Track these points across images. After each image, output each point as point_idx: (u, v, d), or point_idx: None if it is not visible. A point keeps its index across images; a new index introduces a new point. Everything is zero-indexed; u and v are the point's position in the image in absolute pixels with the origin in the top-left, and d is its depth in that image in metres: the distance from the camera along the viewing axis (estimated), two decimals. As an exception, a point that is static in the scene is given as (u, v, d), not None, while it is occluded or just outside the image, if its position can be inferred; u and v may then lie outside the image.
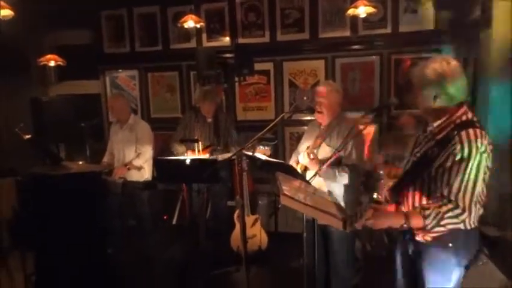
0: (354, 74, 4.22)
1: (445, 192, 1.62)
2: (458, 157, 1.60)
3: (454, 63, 1.71)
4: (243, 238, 2.71)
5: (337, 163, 2.49)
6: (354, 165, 2.51)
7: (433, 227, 1.63)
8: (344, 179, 2.51)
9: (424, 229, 1.66)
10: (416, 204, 1.75)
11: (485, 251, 2.47)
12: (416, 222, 1.65)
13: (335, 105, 2.63)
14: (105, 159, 3.84)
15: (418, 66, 1.77)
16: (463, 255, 1.73)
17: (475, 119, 1.71)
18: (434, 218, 1.61)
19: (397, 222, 1.68)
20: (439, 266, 1.73)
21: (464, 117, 1.70)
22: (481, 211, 1.71)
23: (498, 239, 2.63)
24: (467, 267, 1.77)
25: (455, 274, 1.74)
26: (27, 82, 4.75)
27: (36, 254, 3.07)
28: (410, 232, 1.78)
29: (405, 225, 1.66)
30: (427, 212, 1.62)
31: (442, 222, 1.61)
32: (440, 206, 1.61)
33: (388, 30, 4.05)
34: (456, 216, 1.60)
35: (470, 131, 1.61)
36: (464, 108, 1.72)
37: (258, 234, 3.67)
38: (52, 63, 4.10)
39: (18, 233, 3.56)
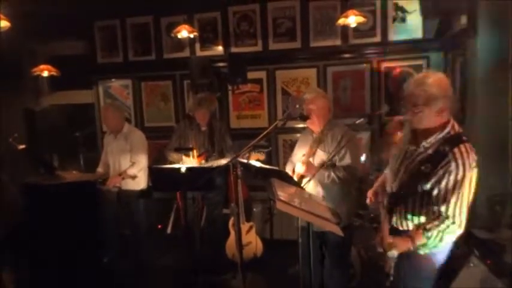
0: (345, 82, 4.29)
1: (443, 209, 1.72)
2: (453, 176, 1.68)
3: (446, 77, 1.77)
4: (238, 246, 2.72)
5: (332, 165, 2.52)
6: (349, 166, 2.52)
7: (435, 246, 1.76)
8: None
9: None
10: (409, 212, 1.84)
11: (476, 253, 2.52)
12: (420, 242, 1.75)
13: (324, 111, 2.63)
14: (100, 169, 3.82)
15: (414, 85, 1.73)
16: (442, 258, 1.90)
17: (461, 130, 1.78)
18: (436, 237, 1.73)
19: (405, 247, 1.76)
20: (425, 274, 1.86)
21: (452, 131, 1.76)
22: None
23: (488, 241, 2.68)
24: None
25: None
26: (20, 92, 4.73)
27: (29, 264, 3.03)
28: None
29: (412, 248, 1.76)
30: (429, 233, 1.72)
31: (443, 241, 1.74)
32: (439, 225, 1.72)
33: (378, 39, 4.14)
34: (453, 232, 1.73)
35: (462, 147, 1.68)
36: (452, 121, 1.78)
37: (253, 242, 3.68)
38: (45, 74, 4.11)
39: (11, 243, 3.52)
